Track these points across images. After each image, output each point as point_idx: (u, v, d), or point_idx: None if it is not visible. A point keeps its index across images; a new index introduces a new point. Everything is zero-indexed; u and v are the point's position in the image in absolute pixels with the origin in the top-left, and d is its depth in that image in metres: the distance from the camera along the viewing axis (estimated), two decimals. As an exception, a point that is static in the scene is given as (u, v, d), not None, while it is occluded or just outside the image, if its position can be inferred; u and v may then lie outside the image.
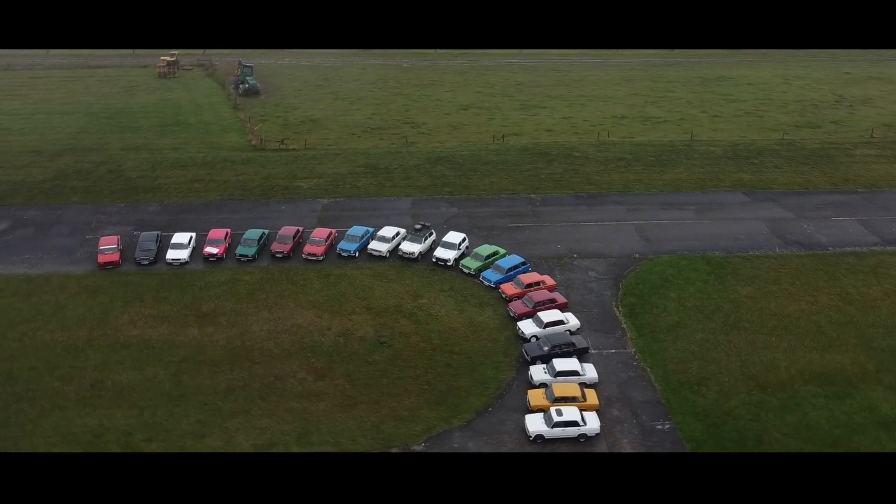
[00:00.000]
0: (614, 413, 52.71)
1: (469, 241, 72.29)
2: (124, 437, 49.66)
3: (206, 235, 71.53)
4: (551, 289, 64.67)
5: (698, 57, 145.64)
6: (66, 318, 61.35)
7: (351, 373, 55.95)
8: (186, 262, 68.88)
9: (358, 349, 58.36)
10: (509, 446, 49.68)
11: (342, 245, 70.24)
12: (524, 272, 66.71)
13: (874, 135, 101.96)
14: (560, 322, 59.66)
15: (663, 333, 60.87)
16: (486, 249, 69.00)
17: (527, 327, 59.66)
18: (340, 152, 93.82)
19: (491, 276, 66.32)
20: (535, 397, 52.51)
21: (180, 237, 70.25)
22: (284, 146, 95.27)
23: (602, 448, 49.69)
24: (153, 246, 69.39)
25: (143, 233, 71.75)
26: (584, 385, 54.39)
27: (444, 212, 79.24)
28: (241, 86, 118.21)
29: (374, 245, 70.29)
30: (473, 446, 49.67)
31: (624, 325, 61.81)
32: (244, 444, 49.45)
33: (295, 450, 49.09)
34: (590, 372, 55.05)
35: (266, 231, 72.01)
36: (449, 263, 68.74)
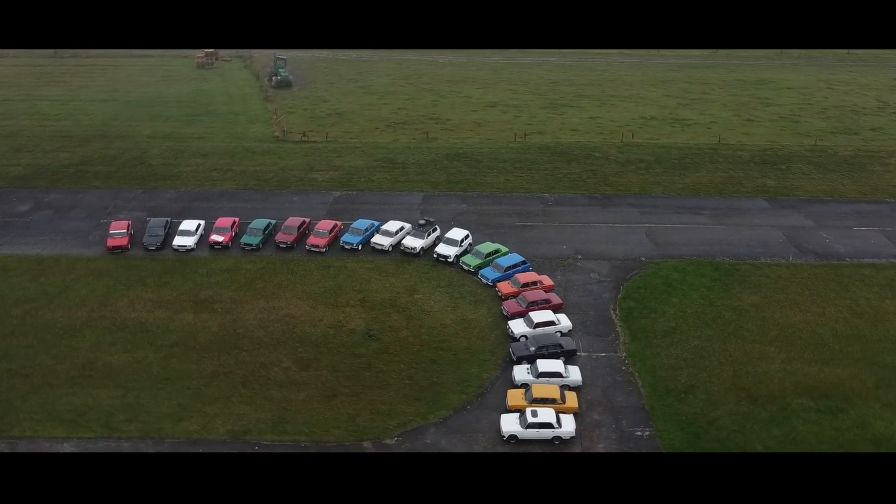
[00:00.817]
0: (594, 417, 51.86)
1: (474, 239, 71.99)
2: (106, 417, 50.74)
3: (214, 223, 72.69)
4: (548, 289, 63.93)
5: (741, 59, 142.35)
6: (69, 298, 62.99)
7: (336, 364, 56.19)
8: (193, 249, 70.05)
9: (346, 341, 58.58)
10: (481, 445, 49.28)
11: (345, 238, 70.58)
12: (524, 271, 66.10)
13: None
14: (551, 323, 58.93)
15: (658, 339, 59.65)
16: (487, 247, 68.58)
17: (517, 326, 59.11)
18: (360, 146, 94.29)
19: (489, 274, 65.89)
20: (514, 397, 51.99)
21: (188, 224, 71.47)
22: (306, 138, 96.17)
23: (576, 452, 48.94)
24: (161, 232, 70.75)
25: (152, 219, 73.22)
26: (566, 387, 53.63)
27: (454, 208, 79.01)
28: (273, 78, 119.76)
29: (377, 239, 70.47)
30: (446, 443, 49.41)
31: (618, 329, 60.76)
32: (220, 429, 50.07)
33: (268, 437, 49.50)
34: (574, 374, 54.26)
35: (273, 221, 72.78)
36: (450, 260, 68.52)
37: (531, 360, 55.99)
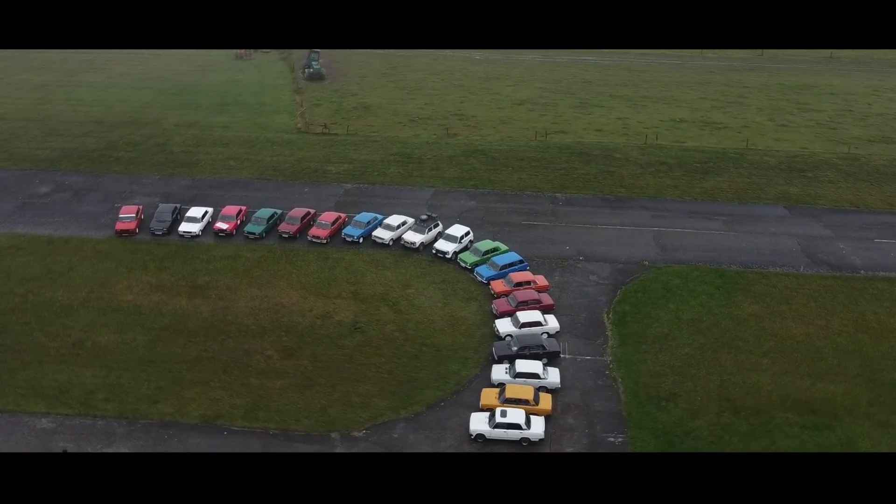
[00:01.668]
0: (568, 420, 51.02)
1: (477, 236, 71.53)
2: (86, 395, 51.94)
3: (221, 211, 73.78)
4: (542, 289, 63.13)
5: (787, 62, 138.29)
6: (71, 278, 64.65)
7: (318, 355, 56.46)
8: (198, 236, 71.19)
9: (332, 332, 58.81)
10: (448, 443, 48.94)
11: (347, 230, 70.85)
12: (520, 270, 65.39)
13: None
14: (538, 323, 58.17)
15: (647, 344, 58.38)
16: (485, 245, 68.06)
17: (503, 325, 58.52)
18: (379, 140, 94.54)
19: (484, 271, 65.38)
20: (487, 396, 51.48)
21: (195, 211, 72.65)
22: (327, 130, 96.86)
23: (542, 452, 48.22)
24: (169, 217, 72.08)
25: (162, 204, 74.64)
26: (543, 389, 52.88)
27: (462, 204, 78.61)
28: (306, 70, 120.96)
29: (378, 232, 70.56)
30: (413, 439, 49.22)
31: (608, 333, 59.67)
32: (193, 413, 50.78)
33: (239, 423, 50.02)
34: (552, 376, 53.46)
35: (278, 211, 73.48)
36: (448, 256, 68.22)
37: (513, 359, 55.37)
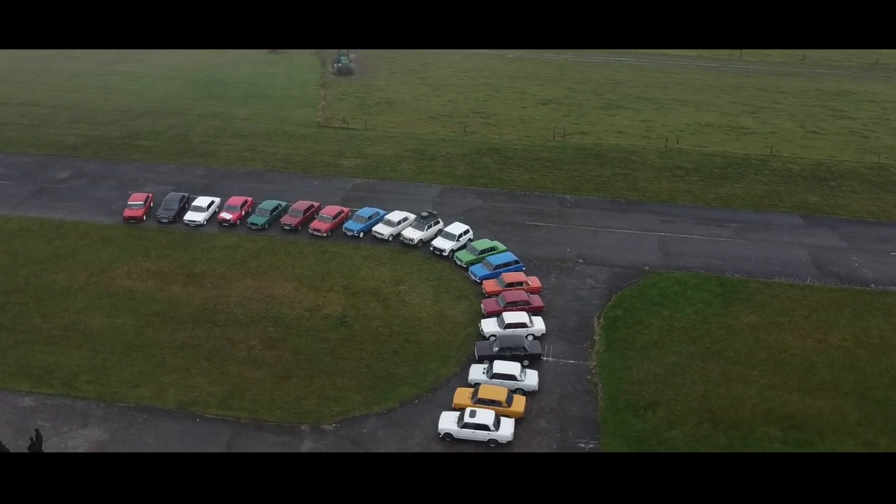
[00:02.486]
0: (541, 424, 50.39)
1: (478, 235, 71.13)
2: (70, 377, 53.15)
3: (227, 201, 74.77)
4: (534, 291, 62.47)
5: (829, 68, 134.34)
6: (74, 262, 66.22)
7: (300, 347, 56.81)
8: (202, 225, 72.25)
9: (317, 325, 59.11)
10: (416, 440, 48.77)
11: (348, 224, 71.14)
12: (514, 271, 64.82)
13: None
14: (523, 325, 57.57)
15: (634, 351, 57.31)
16: (482, 244, 67.62)
17: (487, 326, 58.08)
18: (396, 136, 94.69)
19: (478, 270, 64.99)
20: (461, 395, 51.16)
21: (201, 201, 73.73)
22: (345, 125, 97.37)
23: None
24: (176, 206, 73.29)
25: (170, 192, 75.92)
26: (518, 391, 52.33)
27: (469, 203, 78.25)
28: (335, 65, 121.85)
29: (378, 228, 70.69)
30: (381, 434, 49.18)
31: (596, 337, 58.77)
32: (170, 398, 51.57)
33: (213, 411, 50.60)
34: (530, 379, 52.86)
35: (282, 203, 74.12)
36: (445, 254, 67.99)
37: (493, 360, 54.90)
